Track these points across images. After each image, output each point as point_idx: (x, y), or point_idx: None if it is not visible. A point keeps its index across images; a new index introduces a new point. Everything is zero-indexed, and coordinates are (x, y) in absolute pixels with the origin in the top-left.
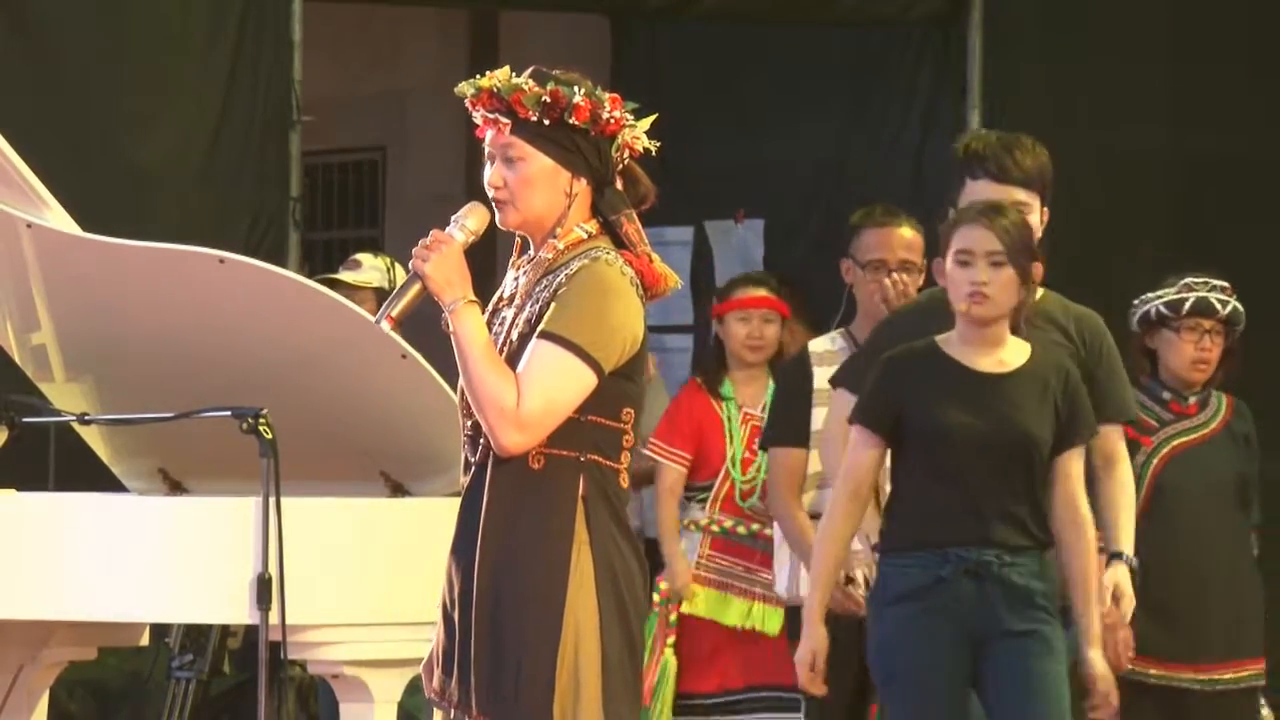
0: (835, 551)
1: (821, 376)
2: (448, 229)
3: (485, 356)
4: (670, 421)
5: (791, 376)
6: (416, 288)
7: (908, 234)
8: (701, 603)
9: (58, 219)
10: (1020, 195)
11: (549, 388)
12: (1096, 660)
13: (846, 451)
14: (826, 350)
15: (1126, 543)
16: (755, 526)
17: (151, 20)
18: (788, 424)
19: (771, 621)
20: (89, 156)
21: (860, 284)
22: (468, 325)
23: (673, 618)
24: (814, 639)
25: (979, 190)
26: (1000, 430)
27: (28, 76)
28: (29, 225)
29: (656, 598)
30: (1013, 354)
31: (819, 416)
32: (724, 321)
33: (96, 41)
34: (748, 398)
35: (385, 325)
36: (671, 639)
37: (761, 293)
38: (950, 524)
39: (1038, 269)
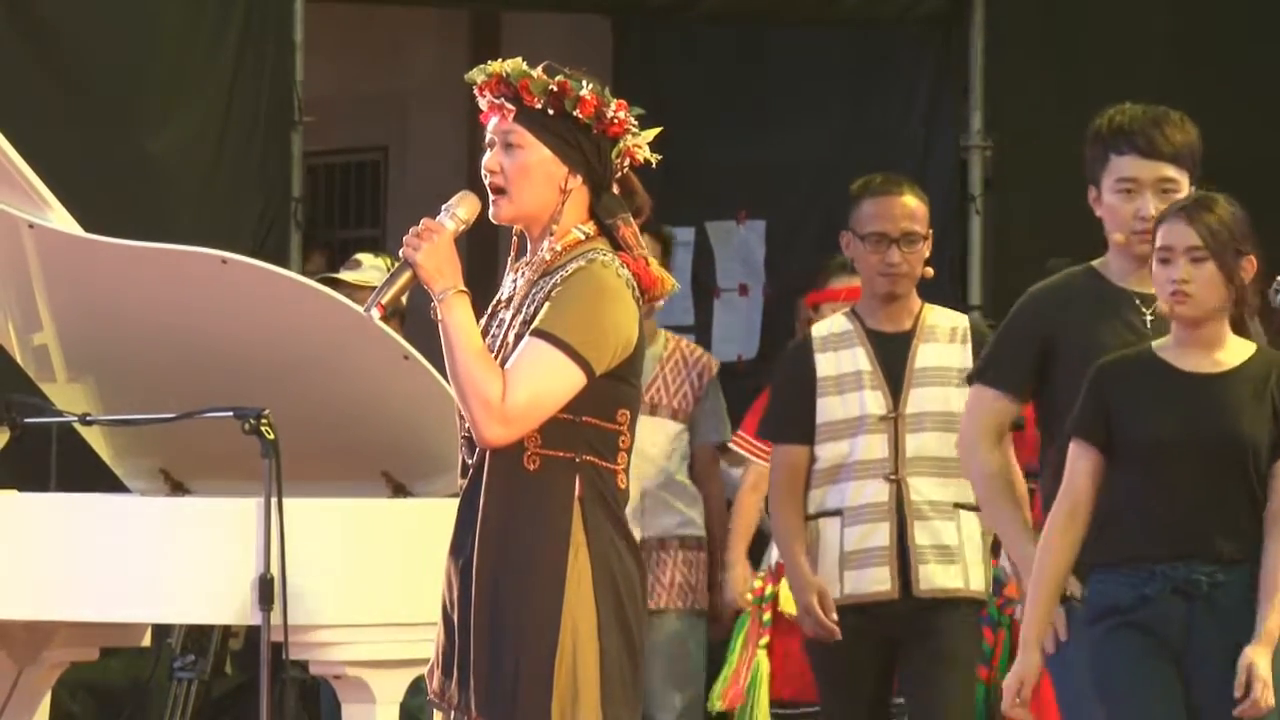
0: (1056, 574)
1: (826, 364)
2: (438, 217)
3: (472, 347)
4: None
5: (791, 366)
6: (407, 276)
7: (911, 203)
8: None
9: (60, 219)
10: (1169, 171)
11: (536, 384)
12: (1258, 659)
13: (1068, 465)
14: (831, 334)
15: None
16: None
17: (153, 22)
18: (788, 418)
19: None
20: (90, 158)
21: (860, 258)
22: (456, 315)
23: (766, 617)
24: (1027, 666)
25: (1124, 166)
26: (1210, 434)
27: (30, 77)
28: (31, 226)
29: (750, 596)
30: (1232, 353)
31: (825, 408)
32: (819, 311)
33: (99, 43)
34: None
35: (375, 313)
36: (765, 639)
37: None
38: (1158, 538)
39: (1250, 262)
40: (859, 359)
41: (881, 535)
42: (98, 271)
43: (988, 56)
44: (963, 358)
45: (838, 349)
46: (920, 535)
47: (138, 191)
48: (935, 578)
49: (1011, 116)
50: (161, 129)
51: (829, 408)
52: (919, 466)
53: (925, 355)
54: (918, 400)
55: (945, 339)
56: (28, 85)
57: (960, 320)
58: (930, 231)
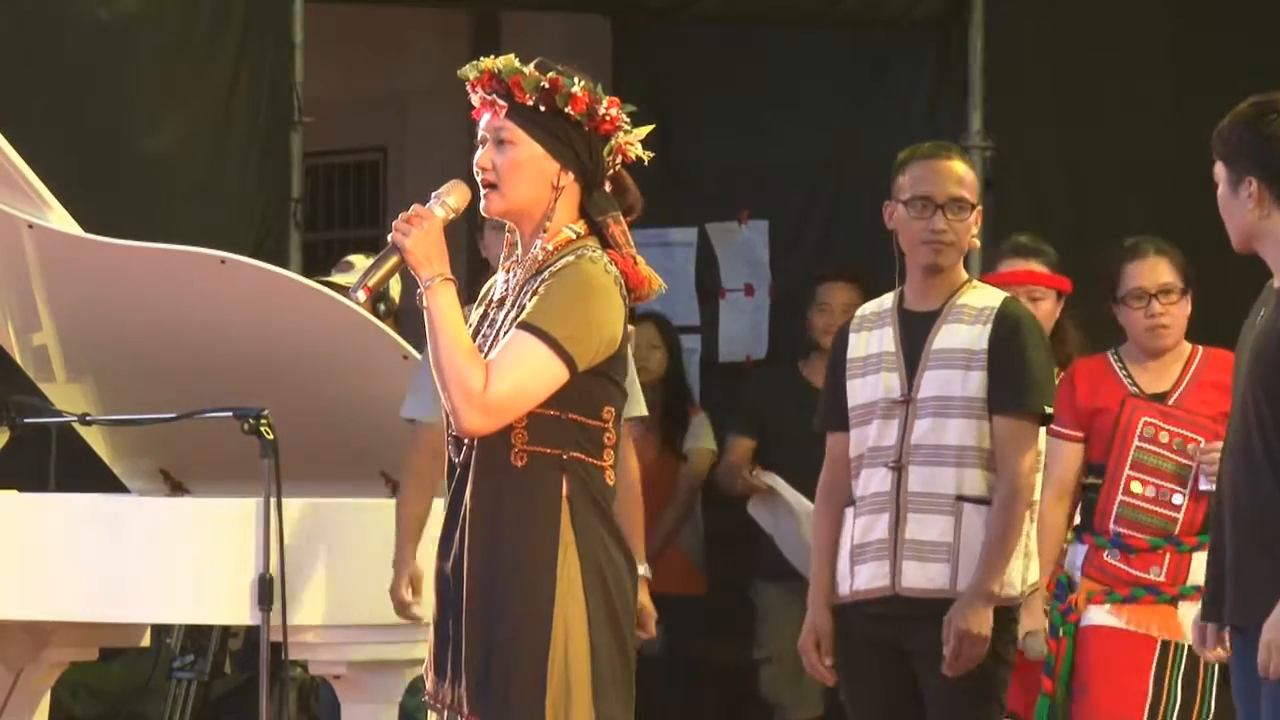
0: None
1: (856, 345)
2: (429, 204)
3: (456, 335)
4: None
5: (833, 348)
6: (394, 259)
7: (959, 169)
8: None
9: (59, 220)
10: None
11: (518, 375)
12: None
13: None
14: (869, 314)
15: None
16: None
17: (152, 22)
18: (828, 404)
19: None
20: (90, 158)
21: (903, 226)
22: (441, 303)
23: None
24: None
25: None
26: None
27: (29, 76)
28: (30, 226)
29: None
30: None
31: (851, 392)
32: None
33: (98, 43)
34: None
35: (361, 295)
36: None
37: (1031, 265)
38: None
39: None
40: (885, 339)
41: (882, 527)
42: (97, 271)
43: (987, 57)
44: (978, 339)
45: (871, 329)
46: (910, 528)
47: (137, 192)
48: (913, 576)
49: (1010, 117)
50: (161, 129)
51: (854, 391)
52: (920, 454)
53: (945, 336)
54: (928, 384)
55: (970, 319)
56: (25, 85)
57: (995, 299)
58: (979, 206)
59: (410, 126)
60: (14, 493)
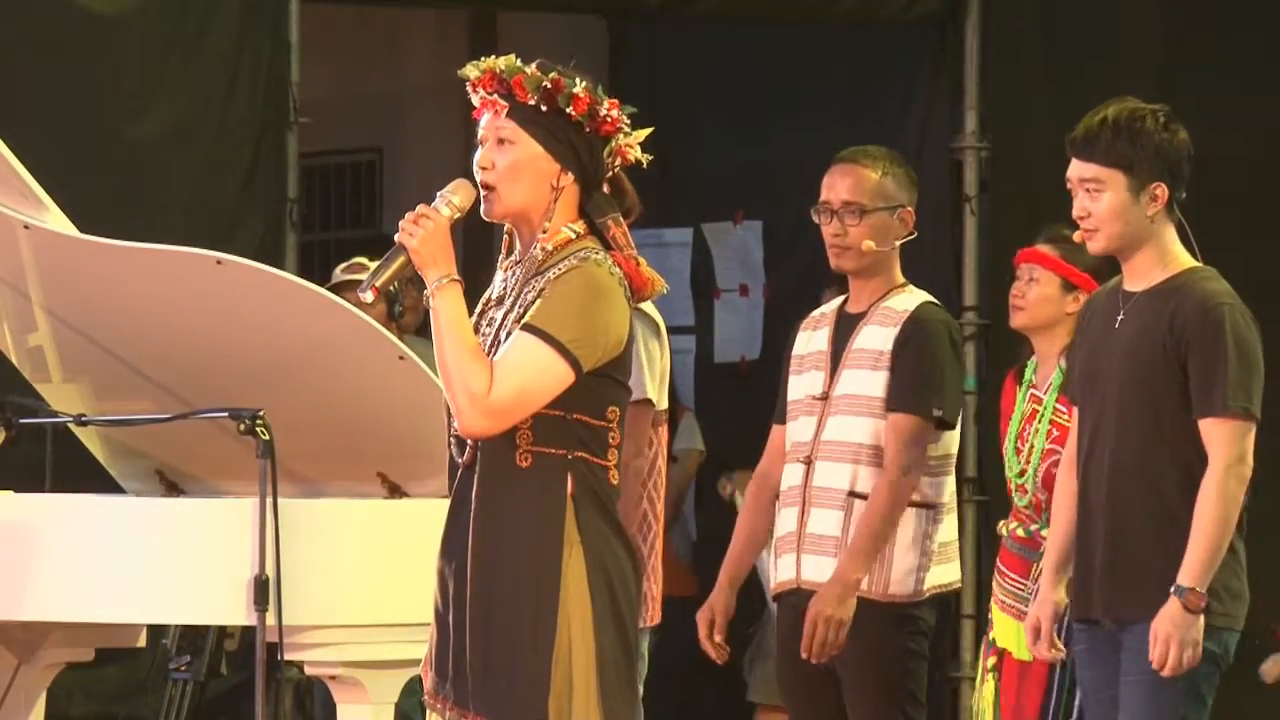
0: None
1: (800, 343)
2: (434, 204)
3: (462, 337)
4: None
5: (787, 345)
6: (401, 259)
7: (857, 173)
8: (1007, 635)
9: (55, 220)
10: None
11: (523, 378)
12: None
13: None
14: (818, 314)
15: None
16: (1033, 528)
17: (149, 22)
18: (779, 398)
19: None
20: (85, 159)
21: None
22: (448, 303)
23: (989, 661)
24: None
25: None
26: None
27: (25, 73)
28: (26, 226)
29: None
30: None
31: (789, 388)
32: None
33: (93, 41)
34: (1040, 376)
35: (369, 295)
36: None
37: (1038, 246)
38: None
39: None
40: (821, 339)
41: (791, 521)
42: (93, 272)
43: (983, 57)
44: (887, 341)
45: (815, 328)
46: (810, 523)
47: (133, 192)
48: (809, 569)
49: (1006, 117)
50: (157, 130)
51: (791, 387)
52: (826, 450)
53: (864, 337)
54: (843, 382)
55: (889, 321)
56: (21, 81)
57: (913, 303)
58: (895, 207)
59: (406, 127)
60: (10, 493)
